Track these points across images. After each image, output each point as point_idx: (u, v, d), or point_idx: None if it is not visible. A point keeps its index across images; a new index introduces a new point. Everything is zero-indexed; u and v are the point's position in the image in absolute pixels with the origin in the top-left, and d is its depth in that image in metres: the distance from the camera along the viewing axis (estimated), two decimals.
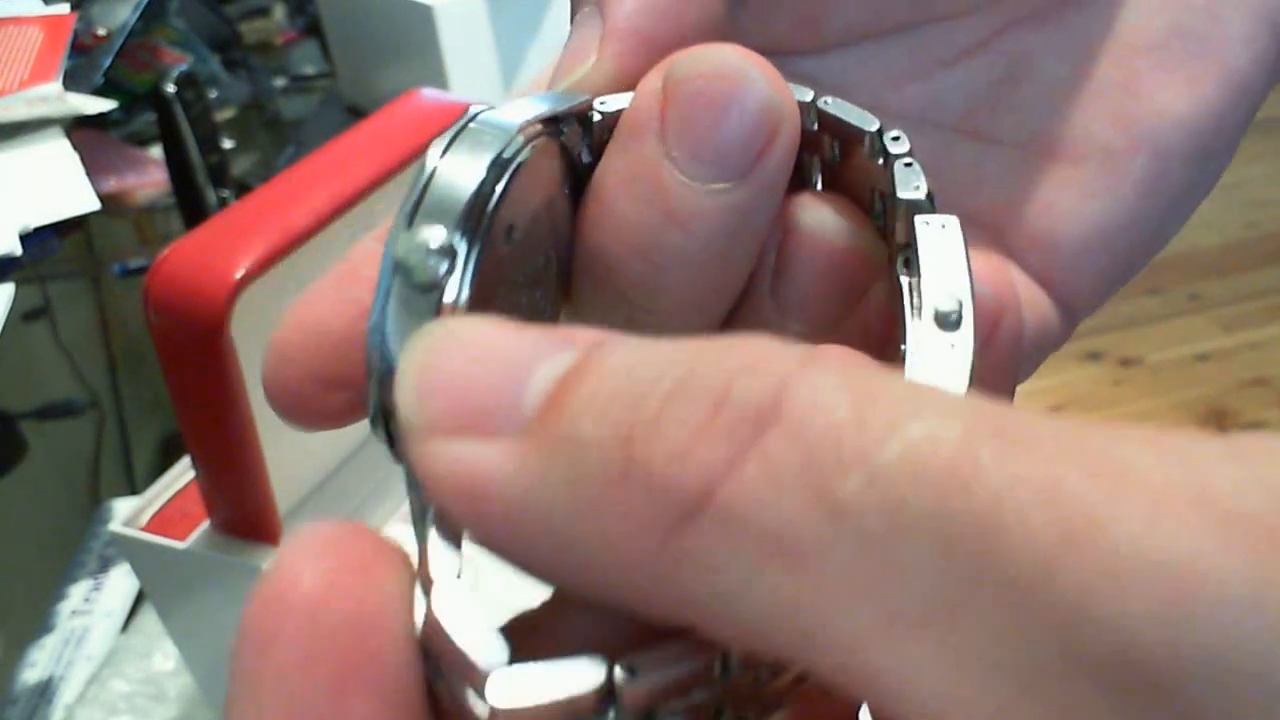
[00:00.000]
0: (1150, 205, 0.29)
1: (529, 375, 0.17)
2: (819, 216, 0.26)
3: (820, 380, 0.15)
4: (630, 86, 0.25)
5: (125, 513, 0.68)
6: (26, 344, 1.12)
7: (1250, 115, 0.30)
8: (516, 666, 0.16)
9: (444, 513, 0.17)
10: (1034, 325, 0.29)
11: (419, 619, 0.17)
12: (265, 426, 0.61)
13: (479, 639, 0.17)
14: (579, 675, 0.16)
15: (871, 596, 0.14)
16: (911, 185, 0.24)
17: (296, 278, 0.63)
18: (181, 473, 0.70)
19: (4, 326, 0.99)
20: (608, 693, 0.16)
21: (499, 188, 0.22)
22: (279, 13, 1.73)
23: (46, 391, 1.07)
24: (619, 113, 0.24)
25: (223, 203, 1.13)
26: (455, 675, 0.17)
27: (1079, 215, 0.29)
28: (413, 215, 0.21)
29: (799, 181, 0.26)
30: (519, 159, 0.22)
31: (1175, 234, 0.31)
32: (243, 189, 1.15)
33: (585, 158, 0.25)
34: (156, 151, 1.28)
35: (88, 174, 1.17)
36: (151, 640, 0.82)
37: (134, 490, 0.92)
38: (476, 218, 0.21)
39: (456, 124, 0.22)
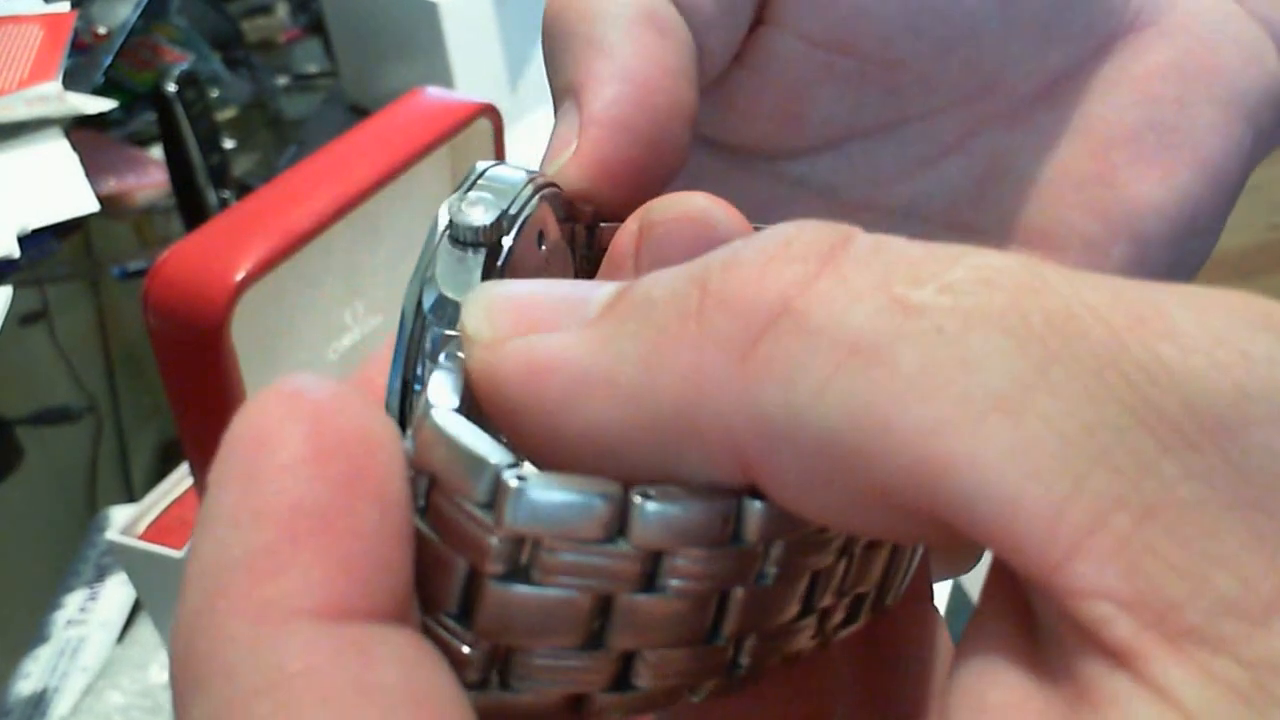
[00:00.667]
0: None
1: (590, 296, 0.18)
2: None
3: (875, 235, 0.16)
4: (610, 172, 0.26)
5: (122, 521, 0.68)
6: (24, 347, 1.11)
7: (1233, 194, 0.31)
8: (528, 468, 0.16)
9: (493, 402, 0.17)
10: None
11: (411, 445, 0.17)
12: None
13: (486, 444, 0.16)
14: (594, 486, 0.16)
15: (947, 386, 0.14)
16: None
17: (297, 280, 0.62)
18: (180, 479, 0.69)
19: (1, 330, 0.98)
20: (621, 513, 0.16)
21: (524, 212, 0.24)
22: (281, 10, 1.72)
23: (43, 396, 1.06)
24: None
25: (223, 203, 1.12)
26: (462, 483, 0.16)
27: None
28: (465, 191, 0.23)
29: None
30: (528, 210, 0.24)
31: None
32: (244, 189, 1.15)
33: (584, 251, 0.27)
34: (157, 152, 1.27)
35: (87, 175, 1.16)
36: (148, 651, 0.81)
37: (132, 497, 0.91)
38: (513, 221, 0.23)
39: (467, 178, 0.24)
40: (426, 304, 0.22)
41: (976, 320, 0.15)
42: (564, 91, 0.27)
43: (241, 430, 0.17)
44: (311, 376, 0.17)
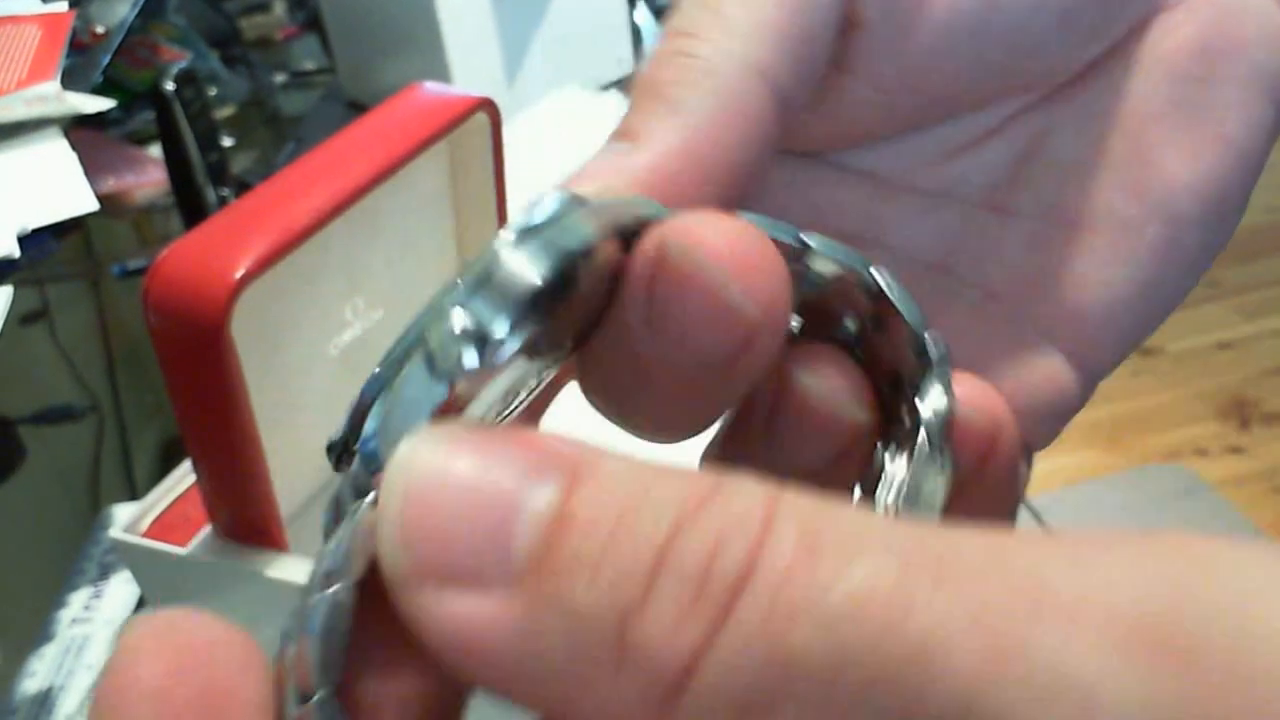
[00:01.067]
0: (1167, 270, 0.31)
1: (516, 518, 0.17)
2: (817, 381, 0.27)
3: (782, 529, 0.16)
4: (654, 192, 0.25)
5: (125, 518, 0.67)
6: (25, 347, 1.11)
7: (1256, 172, 0.32)
8: None
9: (440, 658, 0.18)
10: (1052, 395, 0.32)
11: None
12: (267, 429, 0.60)
13: None
14: None
15: None
16: (936, 396, 0.25)
17: (297, 277, 0.62)
18: (182, 477, 0.69)
19: (2, 329, 0.98)
20: None
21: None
22: (279, 8, 1.72)
23: (45, 395, 1.06)
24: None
25: (222, 201, 1.12)
26: None
27: (1100, 282, 0.31)
28: (463, 296, 0.20)
29: (824, 322, 0.27)
30: (583, 256, 0.22)
31: (1188, 294, 0.33)
32: (243, 187, 1.15)
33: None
34: (155, 150, 1.27)
35: (86, 174, 1.17)
36: None
37: (134, 495, 0.92)
38: (529, 317, 0.21)
39: (535, 209, 0.22)
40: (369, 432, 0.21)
41: (847, 662, 0.15)
42: (618, 135, 0.27)
43: (108, 677, 0.18)
44: (175, 613, 0.19)
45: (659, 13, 1.60)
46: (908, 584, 0.15)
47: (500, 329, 0.20)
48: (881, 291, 0.25)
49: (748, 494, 0.17)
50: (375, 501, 0.19)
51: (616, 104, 1.36)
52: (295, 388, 0.66)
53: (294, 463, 0.67)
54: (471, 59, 1.33)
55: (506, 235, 0.21)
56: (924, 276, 0.33)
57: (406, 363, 0.21)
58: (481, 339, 0.20)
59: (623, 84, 1.47)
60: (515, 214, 0.22)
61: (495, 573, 0.17)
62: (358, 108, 1.42)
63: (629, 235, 0.23)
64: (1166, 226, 0.31)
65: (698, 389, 0.24)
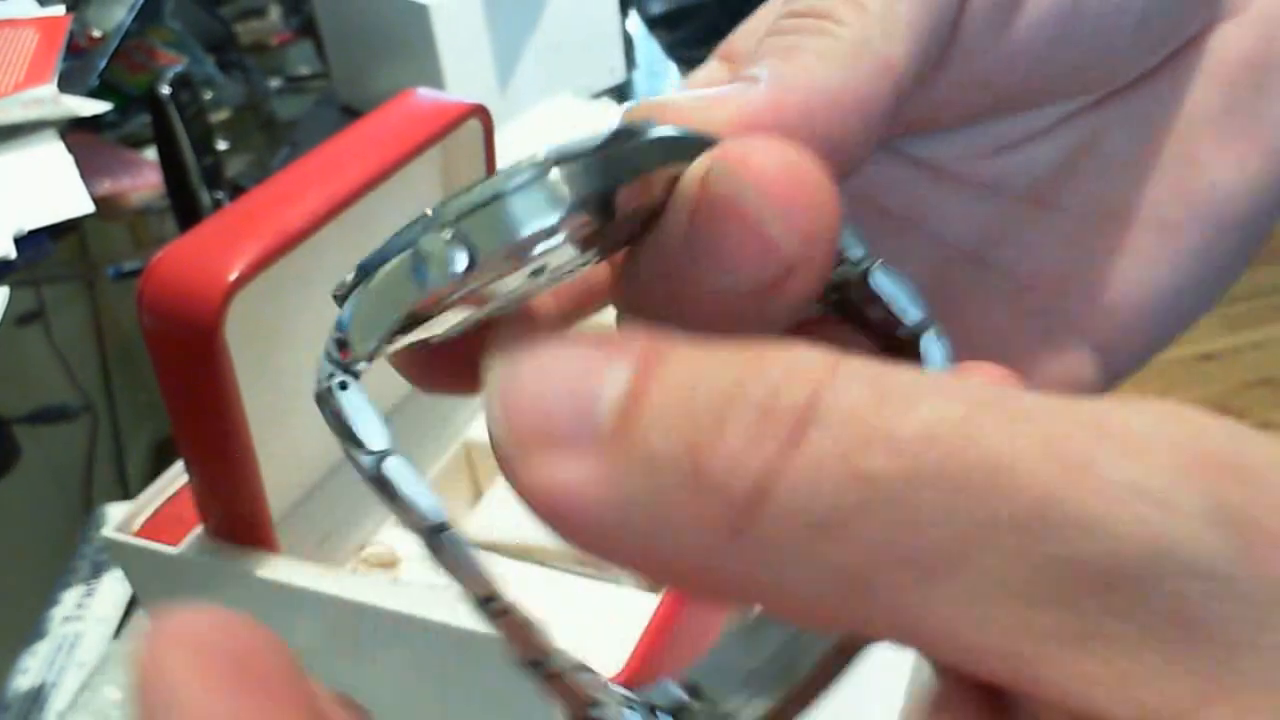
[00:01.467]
0: (1203, 273, 0.32)
1: (600, 384, 0.19)
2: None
3: (847, 380, 0.17)
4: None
5: (118, 518, 0.68)
6: (20, 347, 1.11)
7: None
8: None
9: (546, 524, 0.19)
10: (1072, 389, 0.32)
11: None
12: (259, 430, 0.60)
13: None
14: None
15: (903, 554, 0.16)
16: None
17: (291, 280, 0.62)
18: (175, 477, 0.70)
19: None
20: None
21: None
22: (274, 13, 1.72)
23: (40, 395, 1.07)
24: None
25: (217, 204, 1.13)
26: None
27: (1136, 281, 0.32)
28: (465, 211, 0.22)
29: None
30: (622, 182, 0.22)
31: (1220, 299, 0.33)
32: (237, 190, 1.15)
33: None
34: (151, 153, 1.28)
35: (82, 176, 1.17)
36: None
37: (127, 495, 0.92)
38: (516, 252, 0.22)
39: (603, 135, 0.22)
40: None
41: (921, 481, 0.16)
42: (741, 75, 0.27)
43: (141, 680, 0.19)
44: (189, 612, 0.19)
45: (651, 22, 1.61)
46: (976, 417, 0.16)
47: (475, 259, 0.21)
48: (877, 296, 0.26)
49: (811, 351, 0.18)
50: (341, 385, 0.22)
51: (608, 112, 1.36)
52: (287, 390, 0.67)
53: (285, 464, 0.68)
54: (465, 66, 1.33)
55: (550, 153, 0.21)
56: (960, 264, 0.33)
57: (394, 258, 0.23)
58: (472, 255, 0.21)
59: (615, 92, 1.48)
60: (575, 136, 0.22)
61: (583, 435, 0.18)
62: (352, 113, 1.42)
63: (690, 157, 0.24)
64: (1207, 230, 0.31)
65: (733, 316, 0.24)
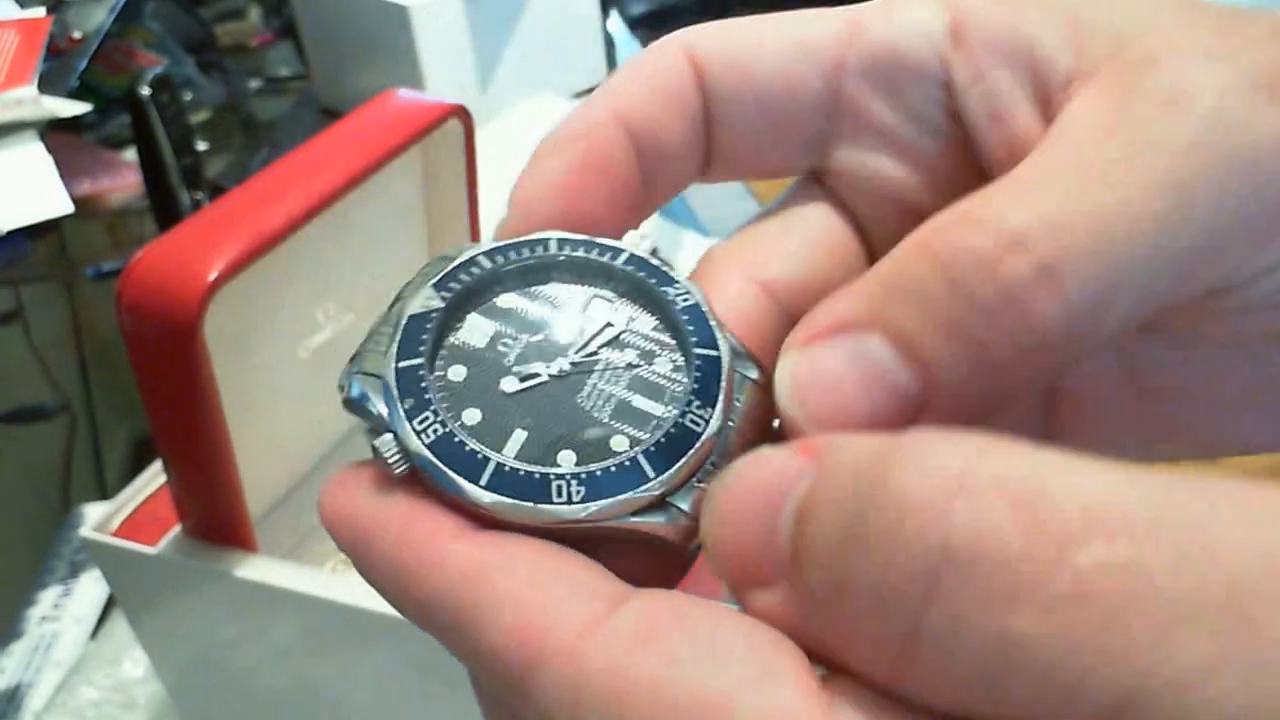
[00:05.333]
0: None
1: (781, 516, 0.20)
2: None
3: (986, 509, 0.17)
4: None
5: (96, 518, 0.68)
6: None
7: None
8: None
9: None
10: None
11: None
12: (238, 430, 0.60)
13: None
14: None
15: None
16: None
17: (269, 280, 0.63)
18: (153, 477, 0.70)
19: None
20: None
21: None
22: (254, 14, 1.72)
23: (18, 395, 1.06)
24: None
25: (196, 205, 1.13)
26: None
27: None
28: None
29: None
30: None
31: None
32: (217, 191, 1.15)
33: None
34: (130, 154, 1.28)
35: (62, 177, 1.17)
36: (121, 647, 0.81)
37: (105, 495, 0.92)
38: None
39: None
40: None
41: (1076, 644, 0.16)
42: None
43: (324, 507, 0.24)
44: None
45: (632, 22, 1.61)
46: (1145, 568, 0.16)
47: None
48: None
49: (941, 457, 0.18)
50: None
51: None
52: (266, 389, 0.67)
53: (264, 464, 0.68)
54: (445, 66, 1.33)
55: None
56: None
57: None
58: None
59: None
60: None
61: (774, 570, 0.20)
62: (332, 114, 1.42)
63: None
64: None
65: None
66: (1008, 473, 0.17)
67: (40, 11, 1.42)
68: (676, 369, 0.26)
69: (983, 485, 0.17)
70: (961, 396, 0.23)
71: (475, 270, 0.27)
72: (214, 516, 0.63)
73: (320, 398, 0.76)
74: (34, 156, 1.20)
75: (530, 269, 0.27)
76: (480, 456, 0.24)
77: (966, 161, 0.29)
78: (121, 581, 0.70)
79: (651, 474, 0.24)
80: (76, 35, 1.46)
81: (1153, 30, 0.26)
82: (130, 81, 1.13)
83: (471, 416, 0.25)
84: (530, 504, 0.23)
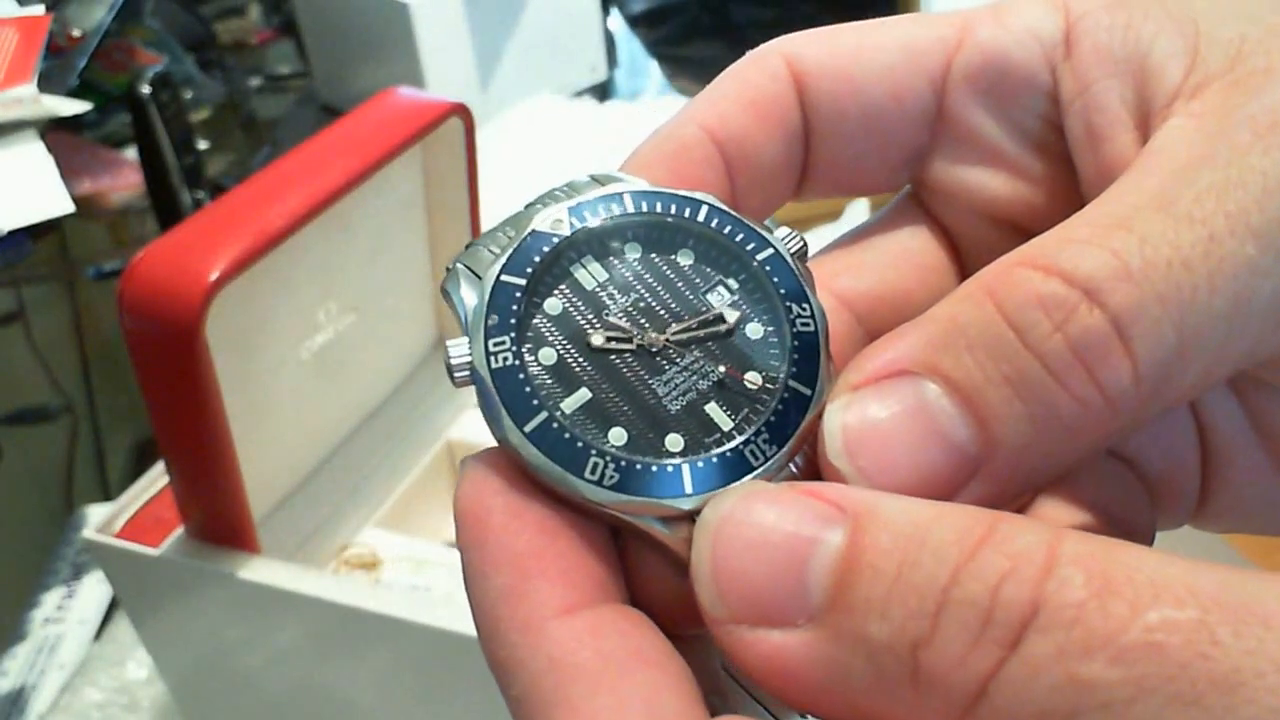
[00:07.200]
0: None
1: (810, 562, 0.20)
2: None
3: (1069, 570, 0.18)
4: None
5: (99, 519, 0.68)
6: (0, 348, 1.11)
7: None
8: None
9: (758, 683, 0.21)
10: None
11: None
12: (240, 431, 0.60)
13: None
14: None
15: None
16: None
17: (271, 280, 0.62)
18: (156, 478, 0.70)
19: None
20: None
21: None
22: (254, 12, 1.72)
23: (20, 396, 1.06)
24: None
25: (198, 204, 1.12)
26: None
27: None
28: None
29: None
30: None
31: None
32: (218, 190, 1.15)
33: None
34: (131, 153, 1.27)
35: (62, 176, 1.16)
36: (125, 648, 0.81)
37: (108, 496, 0.92)
38: None
39: None
40: None
41: (1148, 687, 0.17)
42: None
43: (459, 509, 0.23)
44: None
45: (632, 20, 1.61)
46: (1209, 627, 0.17)
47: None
48: None
49: (1028, 533, 0.18)
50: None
51: (589, 110, 1.36)
52: (268, 390, 0.67)
53: (267, 465, 0.67)
54: (446, 65, 1.33)
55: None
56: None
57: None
58: None
59: (595, 90, 1.48)
60: None
61: (796, 612, 0.20)
62: (332, 112, 1.42)
63: None
64: None
65: None
66: (1087, 552, 0.18)
67: (39, 9, 1.42)
68: (764, 391, 0.25)
69: (1065, 560, 0.18)
70: (1019, 460, 0.22)
71: (615, 208, 0.26)
72: (216, 517, 0.63)
73: (322, 398, 0.76)
74: (34, 156, 1.20)
75: (668, 228, 0.26)
76: (535, 403, 0.23)
77: (1071, 179, 0.27)
78: (124, 583, 0.70)
79: (690, 489, 0.23)
80: (76, 33, 1.46)
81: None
82: (130, 80, 1.13)
83: (547, 357, 0.24)
84: (560, 469, 0.23)
